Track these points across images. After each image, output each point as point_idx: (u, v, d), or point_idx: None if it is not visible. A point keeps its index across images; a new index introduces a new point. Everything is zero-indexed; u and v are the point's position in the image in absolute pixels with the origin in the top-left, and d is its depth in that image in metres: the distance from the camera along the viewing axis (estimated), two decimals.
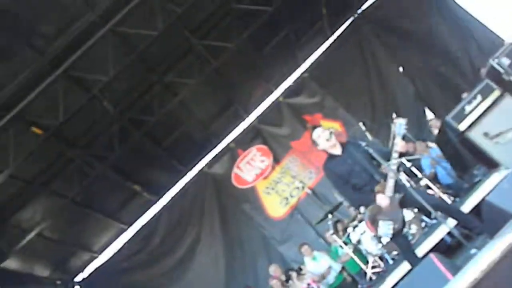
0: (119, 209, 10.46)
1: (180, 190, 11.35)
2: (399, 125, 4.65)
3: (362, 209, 4.98)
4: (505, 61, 5.98)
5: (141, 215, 11.15)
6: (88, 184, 8.90)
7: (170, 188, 11.31)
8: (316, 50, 11.57)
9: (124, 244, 11.01)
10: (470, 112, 5.98)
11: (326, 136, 4.93)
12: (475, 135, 5.90)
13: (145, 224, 11.14)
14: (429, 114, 9.84)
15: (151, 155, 9.98)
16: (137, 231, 11.08)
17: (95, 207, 9.76)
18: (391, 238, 4.77)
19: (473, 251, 4.31)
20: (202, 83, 9.57)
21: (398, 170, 5.16)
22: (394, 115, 4.93)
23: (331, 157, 5.00)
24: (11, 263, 8.69)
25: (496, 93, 5.99)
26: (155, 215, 11.19)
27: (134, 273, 10.75)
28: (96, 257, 10.86)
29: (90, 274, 10.79)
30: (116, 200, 10.17)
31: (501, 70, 6.00)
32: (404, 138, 4.69)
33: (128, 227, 11.04)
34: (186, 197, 11.30)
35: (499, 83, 6.04)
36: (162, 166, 10.58)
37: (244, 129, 11.53)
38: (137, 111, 8.91)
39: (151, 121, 9.04)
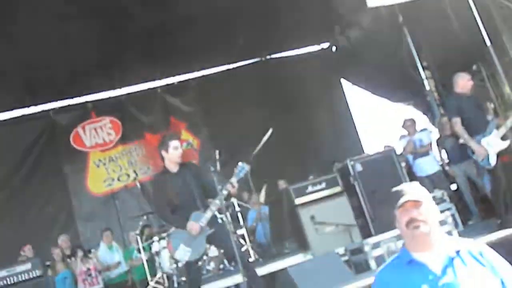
0: None
1: (15, 117, 10.40)
2: (241, 168, 4.82)
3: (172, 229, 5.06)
4: (359, 167, 6.62)
5: None
6: None
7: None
8: (216, 66, 11.65)
9: None
10: (310, 193, 6.49)
11: (178, 149, 4.93)
12: (303, 214, 6.38)
13: None
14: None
15: None
16: None
17: None
18: (183, 265, 4.89)
19: None
20: (98, 24, 8.81)
21: (226, 209, 5.32)
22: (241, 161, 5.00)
23: (164, 172, 5.03)
24: None
25: (338, 189, 6.59)
26: None
27: None
28: None
29: None
30: None
31: (351, 173, 6.61)
32: (239, 181, 4.81)
33: None
34: (18, 129, 10.33)
35: (344, 182, 6.64)
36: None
37: (110, 97, 11.06)
38: None
39: None
